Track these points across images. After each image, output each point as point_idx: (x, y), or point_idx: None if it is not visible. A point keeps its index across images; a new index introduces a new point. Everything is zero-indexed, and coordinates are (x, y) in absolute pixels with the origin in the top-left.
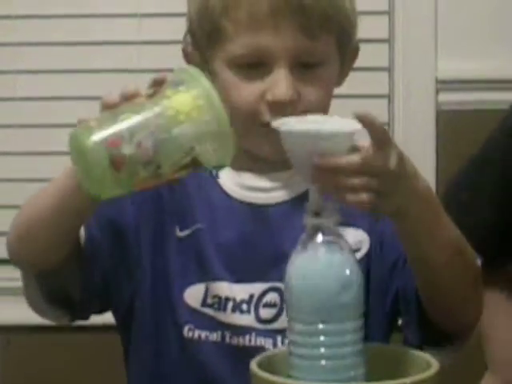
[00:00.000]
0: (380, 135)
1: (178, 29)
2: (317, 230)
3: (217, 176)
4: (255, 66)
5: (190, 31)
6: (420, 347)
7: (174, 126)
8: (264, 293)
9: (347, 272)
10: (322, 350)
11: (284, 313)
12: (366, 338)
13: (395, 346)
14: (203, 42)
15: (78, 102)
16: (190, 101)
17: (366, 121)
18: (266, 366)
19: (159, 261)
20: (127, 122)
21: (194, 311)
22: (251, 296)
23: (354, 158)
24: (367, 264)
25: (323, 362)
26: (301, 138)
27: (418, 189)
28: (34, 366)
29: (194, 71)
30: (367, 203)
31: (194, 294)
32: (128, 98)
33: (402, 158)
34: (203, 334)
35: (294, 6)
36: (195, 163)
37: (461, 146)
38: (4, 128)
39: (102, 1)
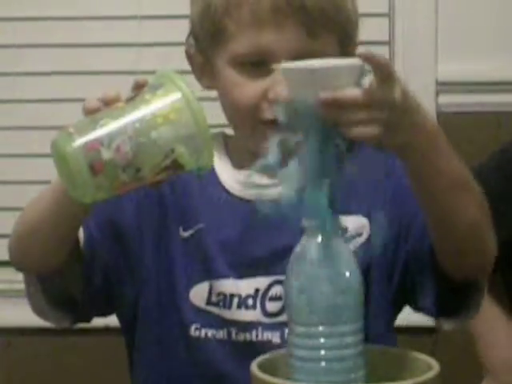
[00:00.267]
0: (383, 70)
1: (178, 31)
2: (316, 232)
3: (211, 176)
4: (258, 64)
5: (193, 33)
6: (434, 316)
7: (152, 129)
8: (269, 286)
9: (347, 274)
10: (322, 352)
11: None
12: (367, 327)
13: (396, 348)
14: (206, 43)
15: (78, 104)
16: (168, 104)
17: (369, 57)
18: (266, 367)
19: (164, 261)
20: (105, 127)
21: (199, 310)
22: (257, 290)
23: (358, 91)
24: (369, 249)
25: (323, 364)
26: (303, 75)
27: (422, 122)
28: (34, 368)
29: (173, 75)
30: (374, 136)
31: (198, 293)
32: (108, 103)
33: (405, 92)
34: (210, 333)
35: (295, 4)
36: (176, 165)
37: (461, 148)
38: (4, 130)
39: (101, 3)
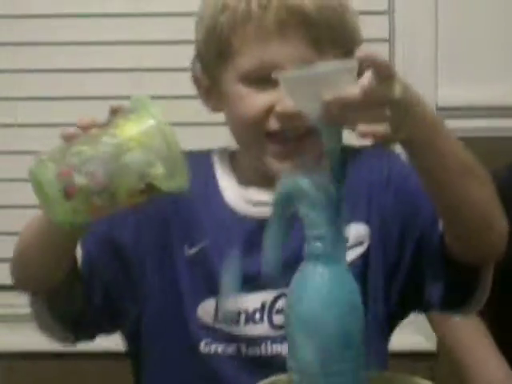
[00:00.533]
0: (382, 69)
1: (179, 56)
2: (316, 259)
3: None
4: (265, 78)
5: (199, 55)
6: (439, 308)
7: (124, 154)
8: (275, 299)
9: (346, 301)
10: (322, 379)
11: None
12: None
13: (397, 373)
14: (212, 63)
15: None
16: (140, 128)
17: (368, 58)
18: None
19: (168, 278)
20: (79, 153)
21: (207, 327)
22: (263, 304)
23: (358, 89)
24: (367, 258)
25: None
26: (302, 81)
27: (424, 115)
28: None
29: (146, 100)
30: (382, 134)
31: (205, 310)
32: (84, 129)
33: (406, 87)
34: (219, 349)
35: (299, 18)
36: (151, 188)
37: None
38: (5, 154)
39: (102, 27)
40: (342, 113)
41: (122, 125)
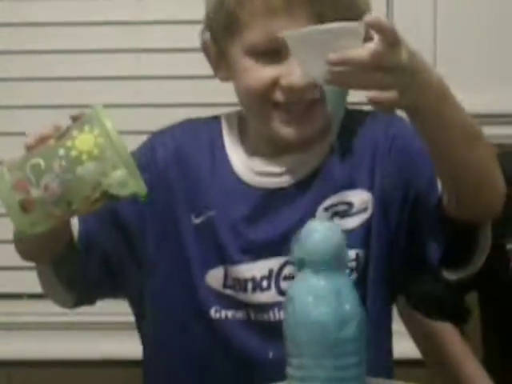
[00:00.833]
0: (389, 34)
1: (177, 64)
2: (316, 264)
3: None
4: (272, 53)
5: (208, 25)
6: (437, 268)
7: (78, 165)
8: (282, 266)
9: (346, 307)
10: None
11: None
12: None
13: (397, 381)
14: (220, 34)
15: None
16: (92, 140)
17: (375, 25)
18: None
19: (174, 247)
20: (34, 166)
21: (217, 293)
22: (270, 271)
23: (365, 51)
24: (370, 224)
25: None
26: (309, 39)
27: (429, 80)
28: None
29: (99, 111)
30: (392, 100)
31: (214, 277)
32: (42, 140)
33: (412, 53)
34: (229, 314)
35: None
36: (106, 196)
37: None
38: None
39: (101, 36)
40: (347, 74)
41: (76, 137)
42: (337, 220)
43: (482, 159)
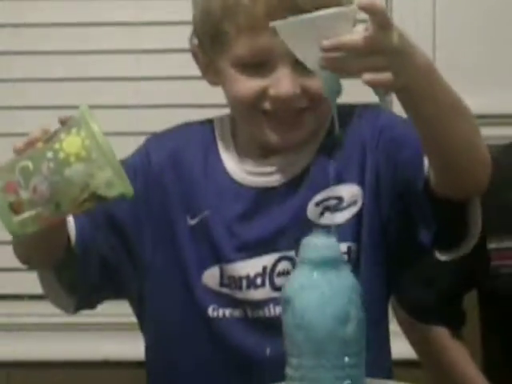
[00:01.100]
0: (380, 16)
1: (176, 64)
2: (316, 263)
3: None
4: (258, 65)
5: (196, 33)
6: (429, 249)
7: (65, 167)
8: (276, 263)
9: (346, 307)
10: None
11: None
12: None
13: (396, 382)
14: (208, 44)
15: None
16: (79, 142)
17: (368, 8)
18: None
19: (170, 248)
20: (23, 169)
21: (214, 292)
22: (264, 268)
23: (357, 35)
24: (361, 217)
25: None
26: (300, 27)
27: (421, 61)
28: None
29: (86, 113)
30: (388, 82)
31: (211, 277)
32: (31, 143)
33: (402, 36)
34: (227, 312)
35: (288, 6)
36: (94, 197)
37: None
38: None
39: (102, 37)
40: (342, 59)
41: (63, 139)
42: (327, 214)
43: (469, 133)
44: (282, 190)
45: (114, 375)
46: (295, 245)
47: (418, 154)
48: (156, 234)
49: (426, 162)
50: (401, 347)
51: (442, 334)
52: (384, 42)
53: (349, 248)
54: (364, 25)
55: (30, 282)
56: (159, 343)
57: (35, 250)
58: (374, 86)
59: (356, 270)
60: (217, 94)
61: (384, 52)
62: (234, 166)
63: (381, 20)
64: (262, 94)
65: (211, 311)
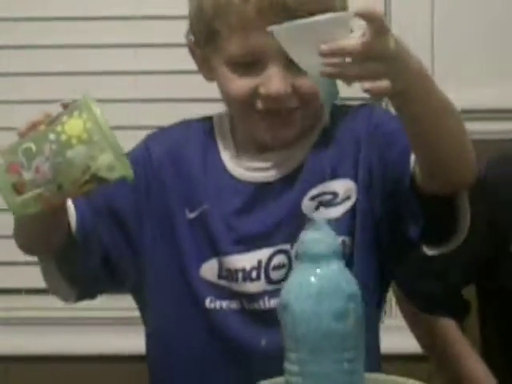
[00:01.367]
0: (378, 24)
1: (174, 59)
2: (315, 258)
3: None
4: (250, 64)
5: (191, 30)
6: (417, 243)
7: (68, 149)
8: (271, 257)
9: (345, 301)
10: (321, 379)
11: None
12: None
13: (395, 376)
14: (202, 42)
15: None
16: (81, 125)
17: (366, 14)
18: None
19: (169, 241)
20: (26, 150)
21: (211, 284)
22: (259, 261)
23: (354, 41)
24: (355, 211)
25: None
26: (298, 31)
27: (414, 67)
28: None
29: (88, 98)
30: (388, 89)
31: (209, 269)
32: (34, 126)
33: (397, 40)
34: (224, 304)
35: (278, 7)
36: (96, 179)
37: None
38: None
39: (100, 30)
40: (342, 65)
41: (65, 122)
42: (322, 209)
43: (457, 132)
44: (278, 185)
45: (113, 369)
46: (291, 239)
47: (406, 151)
48: (156, 226)
49: (412, 158)
50: (401, 341)
51: (447, 325)
52: (381, 47)
53: (343, 242)
54: (361, 31)
55: (28, 276)
56: (158, 333)
57: (36, 236)
58: (374, 94)
59: (350, 263)
60: (215, 88)
61: (381, 58)
62: (232, 161)
63: (378, 26)
64: (254, 93)
65: (208, 303)
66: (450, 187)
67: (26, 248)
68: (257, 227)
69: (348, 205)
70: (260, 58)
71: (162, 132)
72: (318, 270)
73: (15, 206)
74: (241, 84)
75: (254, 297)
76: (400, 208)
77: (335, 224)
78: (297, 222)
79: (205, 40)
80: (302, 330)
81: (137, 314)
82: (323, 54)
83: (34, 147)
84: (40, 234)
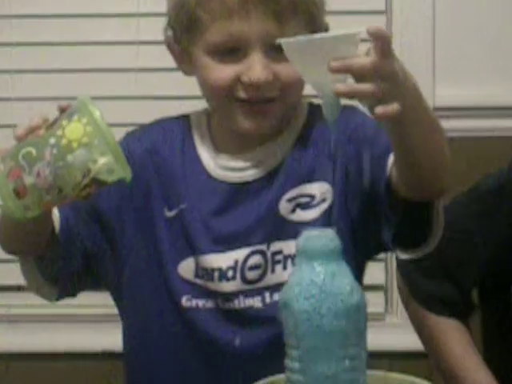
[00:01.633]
0: (386, 44)
1: None
2: (312, 256)
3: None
4: (231, 51)
5: (170, 25)
6: (391, 247)
7: (68, 153)
8: (247, 257)
9: (347, 299)
10: (321, 376)
11: (269, 272)
12: None
13: (396, 373)
14: (182, 34)
15: None
16: (81, 128)
17: (375, 34)
18: None
19: (149, 239)
20: (26, 155)
21: (188, 283)
22: (236, 261)
23: (364, 59)
24: (330, 213)
25: None
26: (307, 46)
27: (410, 85)
28: None
29: (86, 100)
30: (398, 112)
31: (186, 268)
32: (32, 130)
33: (398, 60)
34: (200, 303)
35: None
36: (95, 182)
37: (458, 173)
38: None
39: (100, 28)
40: (355, 84)
41: (65, 126)
42: (299, 211)
43: (441, 144)
44: (256, 186)
45: (113, 366)
46: (267, 239)
47: (383, 155)
48: (137, 225)
49: (389, 162)
50: (403, 339)
51: (449, 324)
52: (387, 67)
53: None
54: (364, 48)
55: None
56: (135, 330)
57: (24, 238)
58: (385, 117)
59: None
60: None
61: (388, 78)
62: (209, 160)
63: (386, 47)
64: (235, 81)
65: (185, 301)
66: (427, 195)
67: (9, 249)
68: (234, 227)
69: (323, 207)
70: (241, 45)
71: (140, 131)
72: (318, 269)
73: (17, 210)
74: (222, 72)
75: (229, 296)
76: (375, 211)
77: (311, 226)
78: (274, 222)
79: (186, 31)
80: (303, 329)
81: None
82: (333, 71)
83: (34, 152)
84: (28, 236)
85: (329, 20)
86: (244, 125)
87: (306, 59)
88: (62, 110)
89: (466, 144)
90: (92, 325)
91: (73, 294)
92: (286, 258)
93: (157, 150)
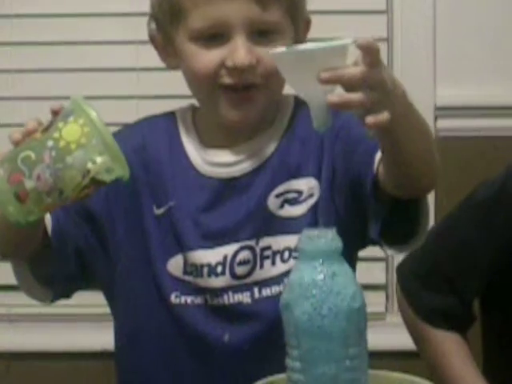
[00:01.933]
0: (374, 57)
1: None
2: (313, 256)
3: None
4: (215, 37)
5: (153, 16)
6: (378, 242)
7: (67, 155)
8: (236, 252)
9: (347, 298)
10: (322, 376)
11: (258, 268)
12: None
13: (397, 372)
14: (166, 23)
15: None
16: (78, 129)
17: (365, 47)
18: None
19: (138, 237)
20: (25, 159)
21: (177, 280)
22: (225, 257)
23: (355, 70)
24: (317, 209)
25: None
26: (297, 57)
27: (398, 93)
28: None
29: (81, 101)
30: (388, 121)
31: (175, 265)
32: (28, 134)
33: (386, 68)
34: (189, 299)
35: None
36: (95, 182)
37: (460, 173)
38: None
39: (101, 27)
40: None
41: (62, 128)
42: (287, 207)
43: (429, 146)
44: (244, 181)
45: (112, 366)
46: (256, 235)
47: (370, 152)
48: (127, 223)
49: (376, 159)
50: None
51: (447, 337)
52: (376, 76)
53: None
54: (352, 59)
55: None
56: (126, 330)
57: (18, 242)
58: (375, 127)
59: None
60: None
61: (375, 86)
62: (197, 156)
63: (375, 59)
64: (219, 67)
65: (174, 298)
66: (414, 193)
67: (2, 253)
68: (222, 223)
69: (310, 202)
70: (225, 30)
71: (127, 130)
72: (319, 269)
73: (19, 214)
74: (206, 57)
75: (218, 292)
76: (362, 207)
77: (298, 221)
78: (262, 218)
79: (168, 20)
80: (304, 329)
81: None
82: (323, 81)
83: (33, 155)
84: (23, 240)
85: (329, 20)
86: (229, 115)
87: (296, 70)
88: (55, 113)
89: (466, 144)
90: (92, 324)
91: (67, 295)
92: (274, 253)
93: (144, 148)
